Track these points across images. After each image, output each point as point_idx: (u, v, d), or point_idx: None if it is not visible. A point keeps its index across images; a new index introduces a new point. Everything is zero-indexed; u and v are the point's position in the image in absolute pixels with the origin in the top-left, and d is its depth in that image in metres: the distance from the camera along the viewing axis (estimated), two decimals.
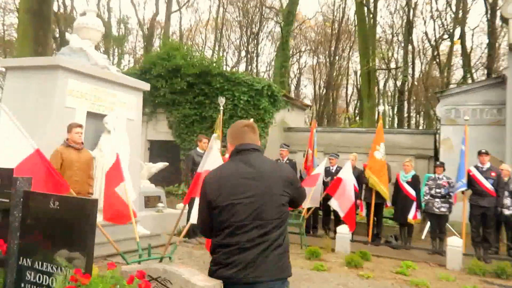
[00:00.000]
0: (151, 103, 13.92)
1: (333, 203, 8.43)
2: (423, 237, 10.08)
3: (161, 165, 9.72)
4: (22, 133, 3.75)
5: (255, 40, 36.37)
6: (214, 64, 13.39)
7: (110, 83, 7.68)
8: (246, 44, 37.16)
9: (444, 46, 28.04)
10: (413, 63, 27.25)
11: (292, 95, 27.39)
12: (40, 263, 3.16)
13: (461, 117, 11.11)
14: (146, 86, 8.52)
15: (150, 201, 9.15)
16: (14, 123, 3.76)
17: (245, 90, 12.88)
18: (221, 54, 34.91)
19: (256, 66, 36.84)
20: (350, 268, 6.89)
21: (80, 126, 6.21)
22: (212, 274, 2.37)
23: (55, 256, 3.10)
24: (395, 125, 26.79)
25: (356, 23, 19.84)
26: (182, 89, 13.35)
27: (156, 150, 14.40)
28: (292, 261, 6.64)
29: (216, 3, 35.23)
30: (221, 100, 9.12)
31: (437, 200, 8.29)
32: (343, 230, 8.21)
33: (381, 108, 9.73)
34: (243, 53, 37.81)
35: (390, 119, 32.54)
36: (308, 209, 8.71)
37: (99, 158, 7.33)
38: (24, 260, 3.22)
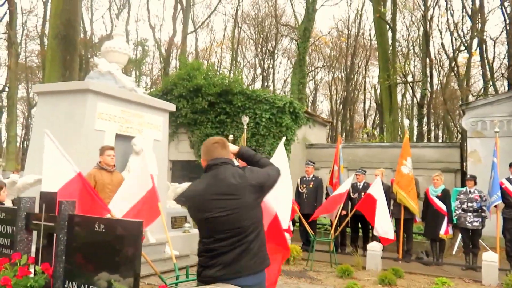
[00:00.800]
0: (173, 123, 14.03)
1: (379, 230, 8.06)
2: (453, 252, 9.86)
3: (186, 185, 9.71)
4: (65, 157, 3.81)
5: (271, 58, 36.63)
6: (235, 83, 13.46)
7: (138, 105, 7.79)
8: (262, 62, 37.47)
9: (461, 58, 27.82)
10: (431, 76, 27.03)
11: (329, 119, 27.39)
12: (85, 286, 3.17)
13: (488, 129, 10.94)
14: (172, 107, 8.62)
15: (176, 222, 9.14)
16: (57, 147, 3.82)
17: (267, 108, 12.92)
18: (238, 72, 35.35)
19: (273, 82, 37.06)
20: (384, 286, 6.75)
21: (112, 148, 6.29)
22: (198, 275, 2.68)
23: (100, 278, 3.12)
24: (414, 138, 26.50)
25: (374, 37, 19.87)
26: (203, 109, 13.45)
27: (178, 170, 14.46)
28: (325, 280, 6.55)
29: (231, 22, 35.78)
30: (245, 119, 9.18)
31: (469, 214, 8.11)
32: (374, 247, 8.07)
33: (406, 122, 9.61)
34: (258, 71, 38.18)
35: (409, 132, 32.17)
36: (336, 228, 8.60)
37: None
38: (70, 283, 3.24)
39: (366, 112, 39.22)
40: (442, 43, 25.71)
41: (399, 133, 18.21)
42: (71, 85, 7.19)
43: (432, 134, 32.28)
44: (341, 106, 37.62)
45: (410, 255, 8.79)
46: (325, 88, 41.67)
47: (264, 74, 37.11)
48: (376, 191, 7.94)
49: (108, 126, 7.25)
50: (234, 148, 3.03)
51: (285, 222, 5.62)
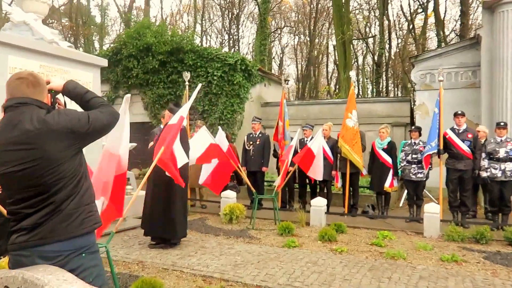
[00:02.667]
0: (125, 85, 12.96)
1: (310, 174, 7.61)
2: (400, 205, 9.38)
3: (133, 145, 8.79)
4: None
5: (236, 22, 35.09)
6: (185, 41, 12.35)
7: (61, 59, 6.70)
8: (228, 27, 35.93)
9: (419, 20, 27.17)
10: (390, 38, 26.28)
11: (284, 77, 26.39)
12: None
13: (436, 81, 10.30)
14: (103, 62, 7.56)
15: None
16: None
17: (218, 65, 11.94)
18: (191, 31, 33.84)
19: (238, 48, 35.62)
20: (324, 242, 6.12)
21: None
22: (11, 242, 2.08)
23: None
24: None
25: None
26: (154, 69, 12.36)
27: (134, 132, 13.34)
28: (264, 239, 5.78)
29: None
30: (186, 75, 8.24)
31: (413, 166, 7.53)
32: (318, 203, 7.42)
33: (352, 73, 8.77)
34: (226, 37, 36.64)
35: (369, 92, 31.69)
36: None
37: None
38: None
39: (330, 75, 38.41)
40: (401, 5, 24.86)
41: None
42: None
43: (392, 94, 31.85)
44: (305, 68, 36.65)
45: (356, 209, 8.22)
46: (291, 53, 40.63)
47: (232, 39, 35.63)
48: (315, 145, 7.24)
49: None
50: (57, 84, 2.30)
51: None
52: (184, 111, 4.65)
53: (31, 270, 1.77)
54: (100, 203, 2.87)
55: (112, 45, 15.81)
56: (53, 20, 29.46)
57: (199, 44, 18.22)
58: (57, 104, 2.46)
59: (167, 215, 5.51)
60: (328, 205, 8.02)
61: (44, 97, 2.21)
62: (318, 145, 7.29)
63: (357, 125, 7.92)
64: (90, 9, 28.98)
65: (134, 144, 8.98)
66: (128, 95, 2.88)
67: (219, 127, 8.20)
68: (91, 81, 7.29)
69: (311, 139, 8.52)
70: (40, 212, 2.01)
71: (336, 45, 18.16)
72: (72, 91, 2.32)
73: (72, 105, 2.45)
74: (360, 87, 31.32)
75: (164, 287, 3.94)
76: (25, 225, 2.00)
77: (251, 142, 8.77)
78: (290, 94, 39.63)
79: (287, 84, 16.28)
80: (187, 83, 8.26)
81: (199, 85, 4.80)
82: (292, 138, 8.14)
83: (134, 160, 11.81)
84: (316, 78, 37.48)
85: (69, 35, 27.81)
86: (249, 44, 38.40)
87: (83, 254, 2.10)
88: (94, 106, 2.28)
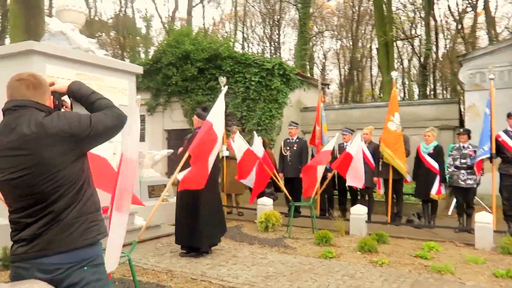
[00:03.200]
0: (165, 93, 13.08)
1: (349, 182, 7.22)
2: (449, 213, 8.74)
3: (165, 152, 8.78)
4: None
5: (277, 28, 35.02)
6: (223, 47, 12.30)
7: (96, 67, 6.76)
8: (269, 34, 35.92)
9: (468, 19, 25.88)
10: (437, 38, 25.13)
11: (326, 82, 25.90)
12: None
13: (487, 81, 9.58)
14: (138, 69, 7.59)
15: (155, 191, 8.24)
16: None
17: (256, 71, 11.77)
18: (246, 45, 34.03)
19: (280, 55, 35.47)
20: (363, 253, 5.73)
21: None
22: (12, 253, 1.97)
23: None
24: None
25: None
26: (193, 76, 12.39)
27: (174, 139, 13.55)
28: (300, 248, 5.48)
29: None
30: (221, 80, 8.07)
31: (462, 171, 6.96)
32: (358, 211, 7.01)
33: (393, 74, 8.24)
34: (267, 44, 36.63)
35: (416, 96, 30.45)
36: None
37: None
38: None
39: (375, 79, 37.33)
40: (448, 5, 23.73)
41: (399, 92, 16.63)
42: (16, 46, 6.19)
43: (441, 97, 30.46)
44: (348, 73, 35.88)
45: (400, 217, 7.71)
46: (334, 57, 39.92)
47: (273, 46, 35.62)
48: (354, 149, 6.86)
49: None
50: (60, 85, 2.16)
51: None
52: (213, 116, 4.46)
53: (16, 285, 1.61)
54: (125, 217, 2.71)
55: (152, 54, 16.05)
56: (101, 33, 30.68)
57: (239, 50, 18.21)
58: (64, 107, 2.34)
59: (193, 222, 5.36)
60: (369, 213, 7.60)
61: (46, 100, 2.08)
62: (356, 148, 6.89)
63: (400, 128, 7.45)
64: (135, 21, 29.88)
65: (171, 151, 8.97)
66: (138, 97, 2.71)
67: (254, 133, 7.99)
68: (126, 88, 7.31)
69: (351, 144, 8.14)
70: (39, 222, 1.89)
71: (378, 47, 17.48)
72: (76, 92, 2.18)
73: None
74: (406, 90, 30.19)
75: None
76: (25, 235, 1.89)
77: (288, 148, 8.50)
78: (334, 100, 39.00)
79: (328, 88, 15.89)
80: (222, 88, 8.04)
81: (225, 89, 4.60)
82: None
83: (174, 166, 11.85)
84: (359, 82, 36.62)
85: (117, 47, 28.82)
86: (291, 50, 38.24)
87: (85, 267, 1.95)
88: (99, 108, 2.12)
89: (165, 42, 13.38)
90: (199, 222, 5.35)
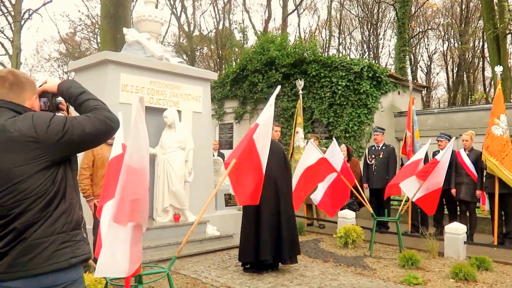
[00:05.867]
0: (252, 100, 12.92)
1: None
2: None
3: None
4: None
5: (375, 32, 33.37)
6: (309, 51, 11.75)
7: (170, 75, 6.78)
8: (368, 38, 34.42)
9: None
10: None
11: (424, 84, 23.91)
12: None
13: None
14: (212, 75, 7.46)
15: (232, 199, 8.02)
16: None
17: (343, 74, 11.01)
18: (345, 51, 33.01)
19: (378, 59, 33.67)
20: (458, 281, 4.77)
21: None
22: None
23: None
24: None
25: None
26: (278, 82, 12.02)
27: None
28: (380, 270, 4.72)
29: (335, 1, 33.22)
30: (299, 83, 7.61)
31: None
32: (455, 229, 5.95)
33: (497, 69, 6.82)
34: (366, 48, 35.11)
35: None
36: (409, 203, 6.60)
37: (160, 155, 6.45)
38: None
39: (489, 81, 33.50)
40: None
41: None
42: (93, 58, 6.42)
43: None
44: (456, 74, 32.74)
45: (510, 239, 6.42)
46: (440, 59, 36.84)
47: (372, 50, 34.04)
48: (441, 155, 5.87)
49: (135, 99, 6.33)
50: (51, 84, 1.93)
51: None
52: (263, 118, 3.99)
53: None
54: (129, 230, 2.38)
55: (238, 61, 16.11)
56: (203, 47, 32.16)
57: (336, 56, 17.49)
58: (60, 109, 2.08)
59: (251, 235, 4.93)
60: (471, 233, 6.51)
61: (25, 100, 1.83)
62: (444, 154, 5.90)
63: (507, 133, 6.22)
64: (233, 32, 30.70)
65: None
66: (142, 95, 2.36)
67: (334, 138, 7.34)
68: (201, 95, 7.21)
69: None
70: (3, 241, 1.63)
71: (487, 42, 15.43)
72: (66, 92, 1.93)
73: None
74: None
75: None
76: None
77: (373, 156, 7.67)
78: (442, 104, 35.89)
79: (428, 91, 14.37)
80: (300, 92, 7.62)
81: (278, 88, 4.10)
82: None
83: None
84: (470, 85, 33.21)
85: (217, 59, 29.90)
86: (390, 53, 36.13)
87: None
88: (85, 110, 1.85)
89: (252, 49, 13.22)
90: (258, 235, 4.89)
